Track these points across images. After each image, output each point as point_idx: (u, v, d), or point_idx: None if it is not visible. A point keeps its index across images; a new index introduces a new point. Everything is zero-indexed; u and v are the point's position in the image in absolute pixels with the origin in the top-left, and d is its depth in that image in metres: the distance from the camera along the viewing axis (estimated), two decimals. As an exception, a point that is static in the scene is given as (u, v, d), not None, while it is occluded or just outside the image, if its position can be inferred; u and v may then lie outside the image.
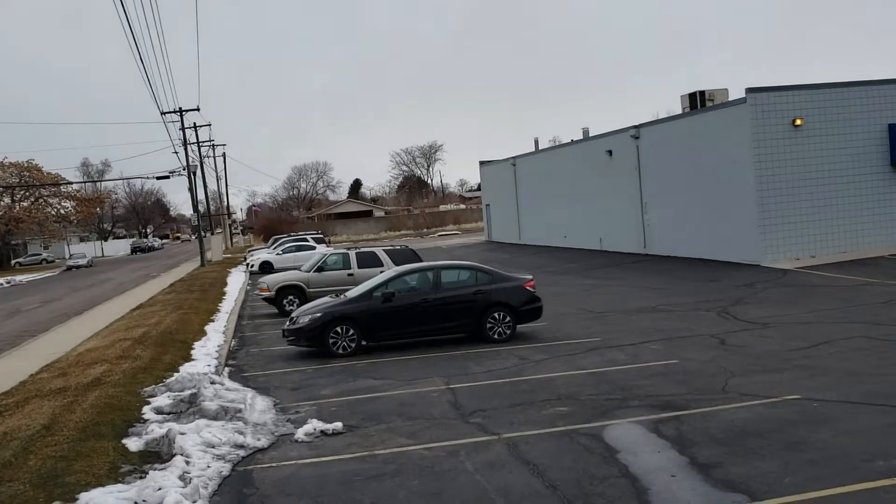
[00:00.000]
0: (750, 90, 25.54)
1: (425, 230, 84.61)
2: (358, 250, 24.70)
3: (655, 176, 31.69)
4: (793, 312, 16.96)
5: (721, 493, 7.21)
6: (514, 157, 48.76)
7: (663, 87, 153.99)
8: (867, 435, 8.49)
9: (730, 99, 29.76)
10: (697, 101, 31.24)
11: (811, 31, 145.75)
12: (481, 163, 56.49)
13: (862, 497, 6.87)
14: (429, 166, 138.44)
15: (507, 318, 16.13)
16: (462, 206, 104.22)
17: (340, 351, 15.56)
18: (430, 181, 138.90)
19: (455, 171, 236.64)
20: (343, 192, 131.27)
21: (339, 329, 15.59)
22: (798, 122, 25.41)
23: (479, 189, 73.69)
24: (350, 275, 23.20)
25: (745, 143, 25.61)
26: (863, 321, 15.25)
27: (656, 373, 12.26)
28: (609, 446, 8.78)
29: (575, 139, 44.33)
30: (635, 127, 33.03)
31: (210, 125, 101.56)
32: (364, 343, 15.86)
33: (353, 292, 16.75)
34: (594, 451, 8.66)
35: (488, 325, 16.04)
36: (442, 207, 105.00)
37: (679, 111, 33.18)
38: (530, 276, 17.15)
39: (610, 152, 35.05)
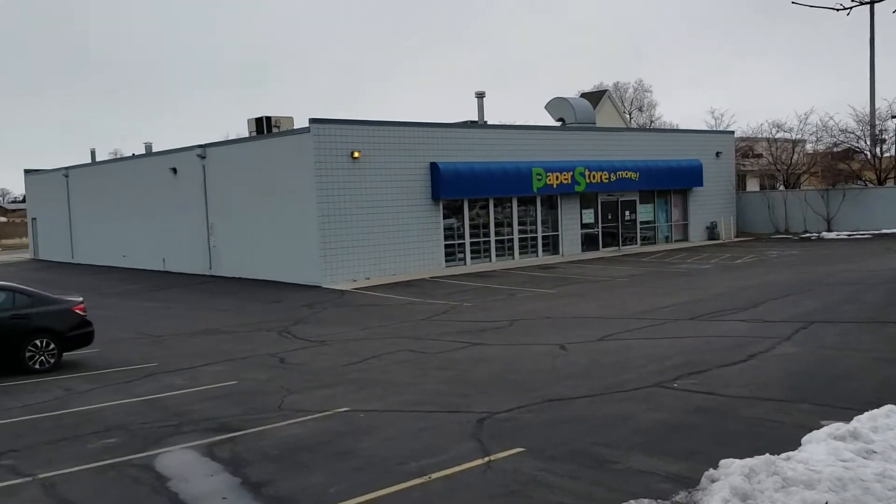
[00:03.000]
0: (313, 120, 26.88)
1: (-46, 246, 72.66)
2: None
3: (223, 197, 31.54)
4: (348, 330, 18.13)
5: (272, 509, 7.33)
6: (67, 168, 44.52)
7: (232, 109, 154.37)
8: (404, 440, 9.37)
9: (295, 127, 31.01)
10: (264, 127, 31.93)
11: (374, 71, 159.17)
12: (27, 171, 50.44)
13: (397, 497, 7.54)
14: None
15: (52, 346, 14.57)
16: (3, 219, 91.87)
17: None
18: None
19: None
20: None
21: None
22: (356, 154, 27.43)
23: (24, 201, 65.79)
24: None
25: (308, 169, 26.84)
26: (406, 336, 16.91)
27: (214, 395, 12.10)
28: (160, 475, 8.38)
29: (137, 154, 42.13)
30: (201, 146, 32.53)
31: None
32: None
33: None
34: (143, 481, 8.19)
35: (28, 354, 14.31)
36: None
37: (247, 134, 33.56)
38: (80, 299, 15.71)
39: (175, 170, 33.98)
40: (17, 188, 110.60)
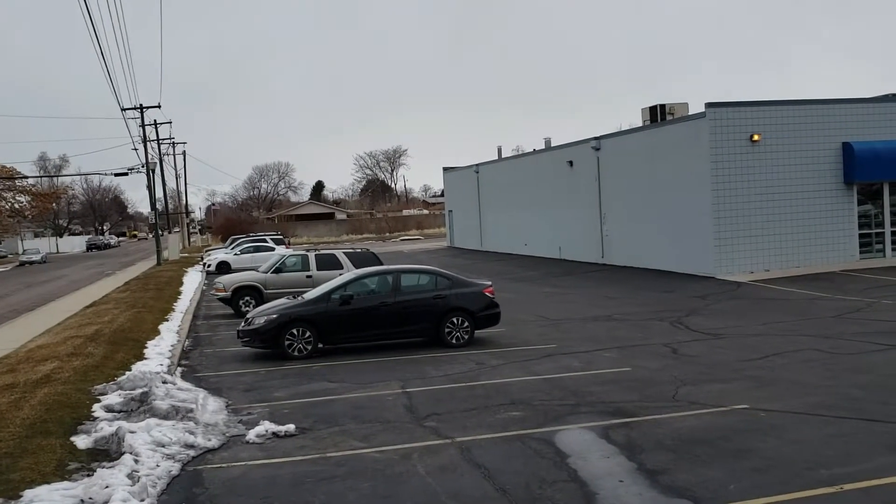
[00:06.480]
0: (709, 105, 26.00)
1: (387, 234, 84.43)
2: (317, 252, 24.56)
3: (615, 187, 32.08)
4: (745, 324, 17.29)
5: (667, 498, 7.33)
6: (477, 165, 48.96)
7: (626, 100, 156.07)
8: (811, 445, 8.69)
9: (689, 113, 30.27)
10: (658, 115, 31.71)
11: (774, 47, 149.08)
12: (445, 169, 56.59)
13: (803, 504, 7.05)
14: (393, 171, 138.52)
15: (466, 324, 16.19)
16: (425, 212, 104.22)
17: (296, 353, 15.46)
18: (393, 186, 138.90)
19: (419, 177, 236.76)
20: (305, 194, 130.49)
21: (295, 331, 15.49)
22: (756, 137, 25.92)
23: (442, 195, 73.86)
24: (309, 276, 23.07)
25: (703, 156, 26.05)
26: (812, 334, 15.60)
27: (609, 380, 12.42)
28: (560, 451, 8.87)
29: (537, 149, 44.68)
30: (596, 138, 33.39)
31: (171, 122, 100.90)
32: (320, 346, 15.79)
33: (311, 294, 16.68)
34: (545, 455, 8.74)
35: (447, 330, 16.08)
36: (405, 212, 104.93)
37: (640, 124, 33.65)
38: (489, 283, 17.24)
39: (571, 163, 35.38)
40: (437, 184, 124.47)
